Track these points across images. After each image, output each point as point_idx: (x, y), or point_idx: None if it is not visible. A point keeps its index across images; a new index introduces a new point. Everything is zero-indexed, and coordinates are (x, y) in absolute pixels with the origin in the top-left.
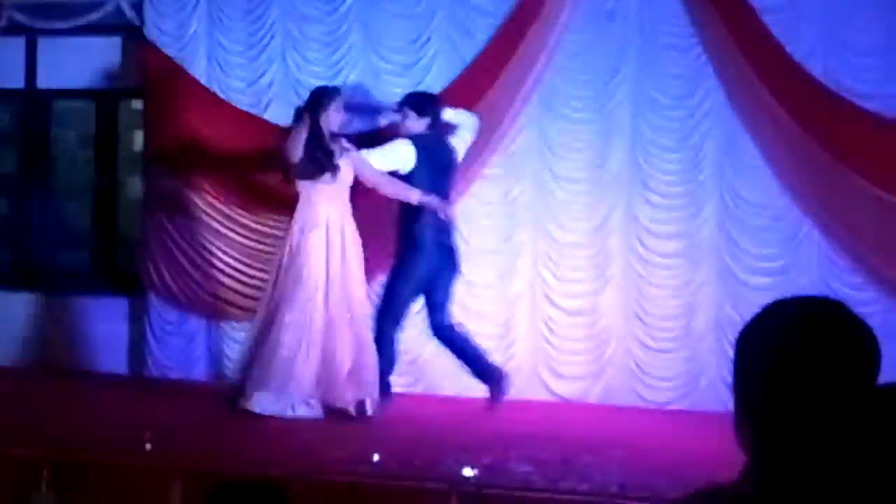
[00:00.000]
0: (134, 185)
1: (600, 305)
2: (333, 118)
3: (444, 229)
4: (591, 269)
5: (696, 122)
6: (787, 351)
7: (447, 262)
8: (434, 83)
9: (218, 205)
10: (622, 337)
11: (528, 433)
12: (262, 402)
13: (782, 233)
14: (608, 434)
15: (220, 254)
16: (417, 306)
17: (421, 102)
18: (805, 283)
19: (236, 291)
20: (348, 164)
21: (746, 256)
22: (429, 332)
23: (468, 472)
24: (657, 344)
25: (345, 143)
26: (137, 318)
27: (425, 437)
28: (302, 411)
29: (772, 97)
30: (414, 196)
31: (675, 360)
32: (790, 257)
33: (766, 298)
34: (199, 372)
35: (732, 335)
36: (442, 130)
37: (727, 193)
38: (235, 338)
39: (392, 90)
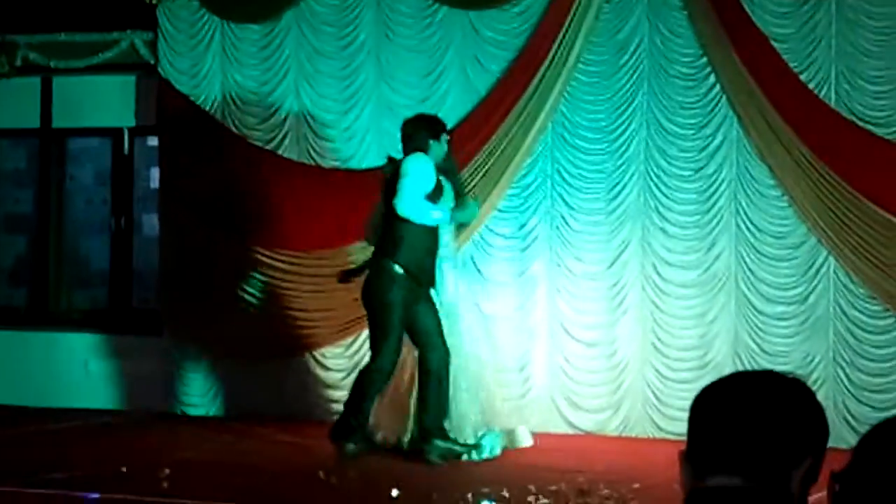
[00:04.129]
0: (150, 223)
1: (617, 336)
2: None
3: None
4: (607, 300)
5: (710, 151)
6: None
7: None
8: (448, 116)
9: (234, 242)
10: (639, 368)
11: (547, 465)
12: None
13: (799, 261)
14: (626, 466)
15: (237, 290)
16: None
17: None
18: (822, 311)
19: (253, 328)
20: None
21: (763, 286)
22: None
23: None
24: (674, 374)
25: None
26: (157, 356)
27: (445, 471)
28: None
29: (786, 125)
30: None
31: (692, 391)
32: (807, 286)
33: (784, 328)
34: (222, 408)
35: (751, 364)
36: None
37: (743, 223)
38: (254, 374)
39: None
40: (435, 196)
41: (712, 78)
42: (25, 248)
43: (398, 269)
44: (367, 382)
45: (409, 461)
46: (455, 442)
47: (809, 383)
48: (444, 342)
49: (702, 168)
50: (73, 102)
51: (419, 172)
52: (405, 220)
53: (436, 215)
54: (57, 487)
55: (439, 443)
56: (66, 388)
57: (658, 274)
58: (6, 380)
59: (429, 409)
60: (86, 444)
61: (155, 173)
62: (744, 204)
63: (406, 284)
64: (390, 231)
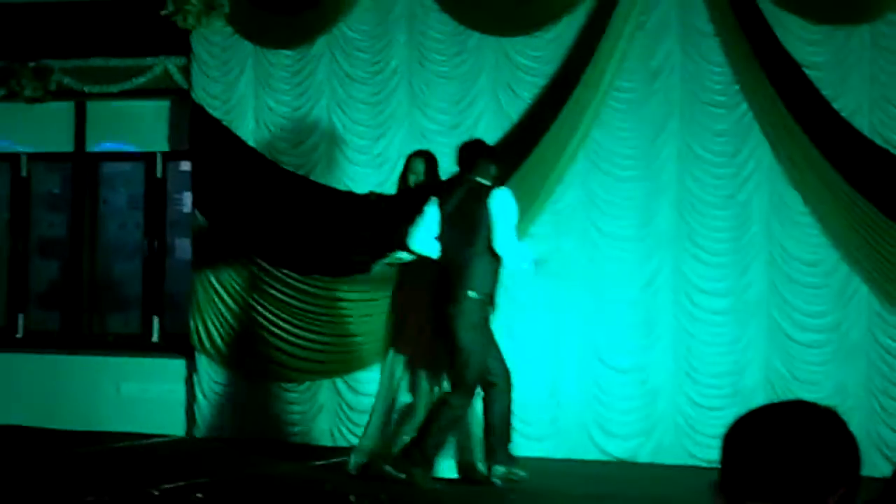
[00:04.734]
0: (183, 247)
1: (649, 363)
2: None
3: None
4: (640, 326)
5: (743, 178)
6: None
7: None
8: None
9: (266, 265)
10: (671, 394)
11: (580, 492)
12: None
13: (831, 289)
14: (659, 493)
15: (268, 314)
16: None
17: None
18: (855, 339)
19: (284, 352)
20: None
21: (796, 313)
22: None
23: None
24: (707, 401)
25: None
26: (189, 379)
27: (474, 497)
28: None
29: (819, 152)
30: None
31: (725, 418)
32: (840, 313)
33: (817, 355)
34: (254, 431)
35: (783, 392)
36: None
37: (775, 250)
38: (284, 398)
39: (438, 150)
40: None
41: (745, 105)
42: (59, 272)
43: (475, 295)
44: (450, 411)
45: (440, 484)
46: (516, 465)
47: (842, 411)
48: (506, 367)
49: (734, 195)
50: (106, 127)
51: (513, 210)
52: (484, 252)
53: (528, 259)
54: None
55: (501, 469)
56: (98, 412)
57: (691, 300)
58: (40, 403)
59: (495, 431)
60: (118, 467)
61: (188, 197)
62: (777, 231)
63: (483, 310)
64: (464, 260)
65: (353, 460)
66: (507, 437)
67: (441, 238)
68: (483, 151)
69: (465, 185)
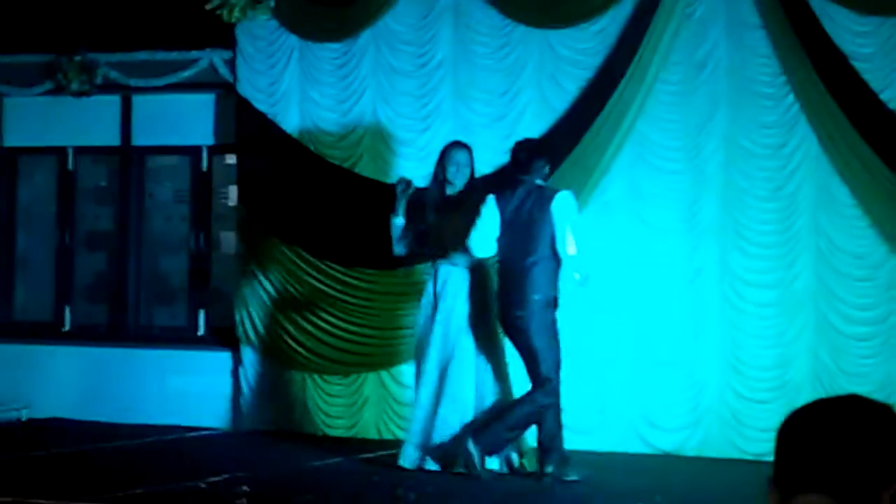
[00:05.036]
0: (228, 240)
1: (695, 356)
2: None
3: None
4: (685, 318)
5: (789, 170)
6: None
7: None
8: (525, 134)
9: (312, 259)
10: (717, 387)
11: (625, 486)
12: None
13: (879, 281)
14: (705, 486)
15: (313, 307)
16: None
17: None
18: None
19: (329, 345)
20: None
21: (843, 305)
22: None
23: None
24: (753, 394)
25: None
26: (235, 372)
27: (520, 490)
28: None
29: (866, 144)
30: None
31: (771, 411)
32: (887, 306)
33: (864, 348)
34: (298, 424)
35: (830, 385)
36: None
37: (823, 242)
38: (329, 391)
39: (483, 142)
40: None
41: (791, 97)
42: (105, 265)
43: (541, 297)
44: (528, 406)
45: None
46: (570, 466)
47: (891, 405)
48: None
49: (781, 187)
50: (152, 120)
51: (575, 214)
52: (546, 256)
53: (581, 269)
54: None
55: (553, 469)
56: (144, 405)
57: (737, 293)
58: (86, 396)
59: (546, 431)
60: (165, 460)
61: (233, 191)
62: (824, 223)
63: (550, 312)
64: (527, 266)
65: (406, 455)
66: (559, 438)
67: (499, 240)
68: (541, 152)
69: (524, 187)
